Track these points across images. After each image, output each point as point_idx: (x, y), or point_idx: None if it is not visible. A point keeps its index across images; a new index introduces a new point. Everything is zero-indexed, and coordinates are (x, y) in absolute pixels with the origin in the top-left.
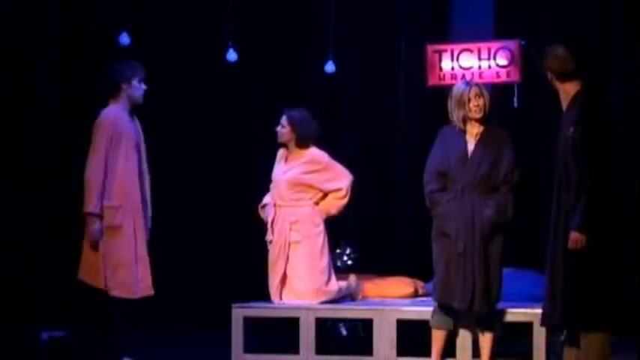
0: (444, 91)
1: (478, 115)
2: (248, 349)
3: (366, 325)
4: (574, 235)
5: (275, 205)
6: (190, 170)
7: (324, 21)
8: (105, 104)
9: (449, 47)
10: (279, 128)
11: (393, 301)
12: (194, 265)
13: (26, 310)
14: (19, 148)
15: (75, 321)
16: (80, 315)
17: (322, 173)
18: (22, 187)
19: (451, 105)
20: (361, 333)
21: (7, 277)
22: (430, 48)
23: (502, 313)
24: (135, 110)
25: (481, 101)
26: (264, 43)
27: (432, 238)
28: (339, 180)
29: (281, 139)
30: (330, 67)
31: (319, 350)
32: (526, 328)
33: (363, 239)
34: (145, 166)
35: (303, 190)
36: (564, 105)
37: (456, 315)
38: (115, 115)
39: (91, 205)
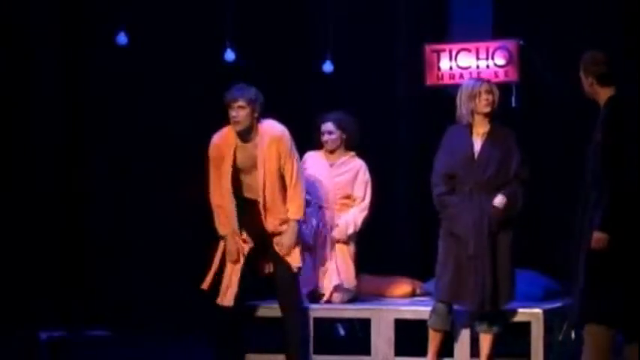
0: (443, 91)
1: (487, 109)
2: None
3: (364, 324)
4: (596, 235)
5: (320, 208)
6: (188, 170)
7: (322, 20)
8: None
9: (447, 47)
10: (326, 137)
11: (391, 300)
12: (193, 264)
13: (25, 310)
14: (17, 148)
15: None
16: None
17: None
18: (21, 187)
19: (460, 100)
20: (359, 333)
21: (5, 276)
22: (428, 48)
23: (502, 312)
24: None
25: (491, 97)
26: (262, 42)
27: (439, 239)
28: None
29: (332, 145)
30: (327, 66)
31: (317, 350)
32: (525, 327)
33: (360, 239)
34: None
35: (348, 194)
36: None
37: (455, 315)
38: (215, 139)
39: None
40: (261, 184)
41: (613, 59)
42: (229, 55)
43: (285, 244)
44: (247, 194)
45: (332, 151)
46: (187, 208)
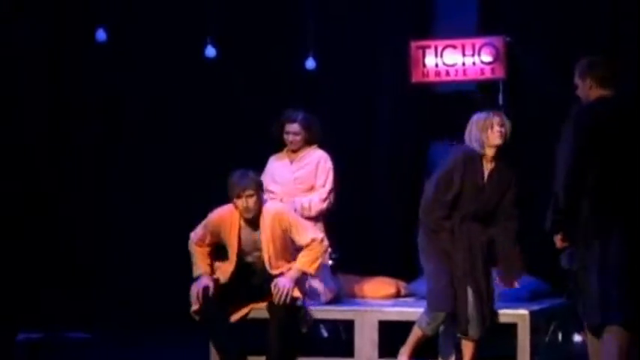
0: (428, 88)
1: (498, 141)
2: None
3: (348, 326)
4: (555, 238)
5: None
6: (170, 169)
7: (305, 16)
8: None
9: (432, 43)
10: (291, 137)
11: (374, 302)
12: (178, 266)
13: (3, 312)
14: (2, 148)
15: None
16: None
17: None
18: (3, 187)
19: (471, 131)
20: (342, 334)
21: None
22: (414, 44)
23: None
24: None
25: (503, 129)
26: (243, 38)
27: (425, 252)
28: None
29: (297, 145)
30: (310, 63)
31: (297, 353)
32: (511, 329)
33: (343, 239)
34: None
35: (311, 185)
36: None
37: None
38: (218, 212)
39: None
40: (267, 262)
41: (613, 62)
42: (210, 51)
43: (279, 284)
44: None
45: (295, 150)
46: (174, 206)
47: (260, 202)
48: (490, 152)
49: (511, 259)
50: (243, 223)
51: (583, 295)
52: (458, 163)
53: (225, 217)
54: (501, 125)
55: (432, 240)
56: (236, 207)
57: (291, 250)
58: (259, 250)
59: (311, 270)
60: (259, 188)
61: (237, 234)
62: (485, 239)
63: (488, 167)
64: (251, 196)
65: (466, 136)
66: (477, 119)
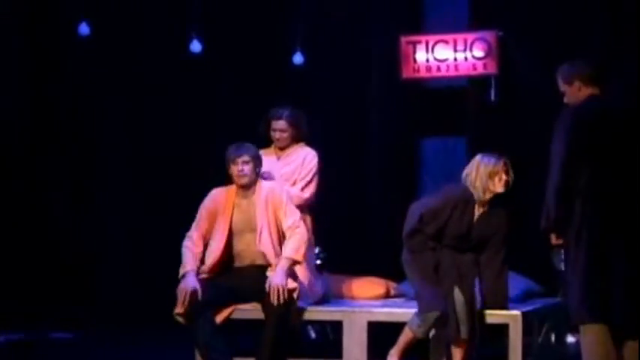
0: (419, 84)
1: (501, 190)
2: None
3: (336, 327)
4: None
5: None
6: (155, 165)
7: (293, 10)
8: None
9: (423, 38)
10: (278, 135)
11: (363, 302)
12: (163, 265)
13: None
14: None
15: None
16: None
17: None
18: None
19: (478, 173)
20: (330, 335)
21: None
22: (404, 39)
23: (478, 316)
24: None
25: (509, 178)
26: (229, 32)
27: (412, 266)
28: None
29: (284, 143)
30: (298, 58)
31: (287, 353)
32: (502, 330)
33: (332, 238)
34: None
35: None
36: None
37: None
38: (214, 192)
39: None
40: (258, 236)
41: (596, 60)
42: (195, 46)
43: (274, 283)
44: (237, 263)
45: (282, 148)
46: (159, 206)
47: (256, 173)
48: (487, 197)
49: (495, 288)
50: (237, 200)
51: (573, 294)
52: (449, 204)
53: (219, 195)
54: (507, 174)
55: (416, 258)
56: (232, 175)
57: (281, 242)
58: (253, 230)
59: (298, 256)
60: (256, 158)
61: (231, 212)
62: (471, 259)
63: (479, 211)
64: (247, 162)
65: (469, 175)
66: (484, 164)
